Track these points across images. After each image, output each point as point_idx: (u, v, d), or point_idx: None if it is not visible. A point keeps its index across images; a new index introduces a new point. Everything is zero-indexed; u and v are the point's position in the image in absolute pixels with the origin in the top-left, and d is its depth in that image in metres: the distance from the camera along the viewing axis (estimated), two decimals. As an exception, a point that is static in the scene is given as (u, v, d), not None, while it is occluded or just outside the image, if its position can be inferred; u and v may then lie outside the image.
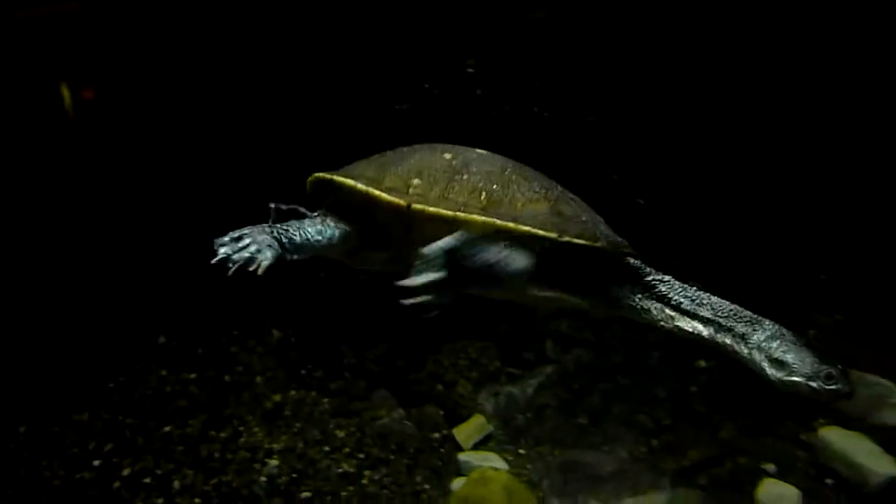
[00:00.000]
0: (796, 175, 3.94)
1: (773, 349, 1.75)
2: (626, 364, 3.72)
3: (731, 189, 4.04)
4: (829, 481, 2.99)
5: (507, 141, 3.79)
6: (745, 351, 1.80)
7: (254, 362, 3.40)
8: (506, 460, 3.15)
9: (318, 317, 3.67)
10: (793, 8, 3.71)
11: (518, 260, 1.75)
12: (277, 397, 3.27)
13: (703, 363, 3.79)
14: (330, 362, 3.51)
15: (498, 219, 1.73)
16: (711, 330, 1.84)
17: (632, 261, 1.87)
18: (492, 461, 3.06)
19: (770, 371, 1.76)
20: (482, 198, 1.77)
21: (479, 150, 2.02)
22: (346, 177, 1.99)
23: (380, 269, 2.23)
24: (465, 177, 1.84)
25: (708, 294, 1.86)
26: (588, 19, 3.83)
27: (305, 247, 2.03)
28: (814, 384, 1.70)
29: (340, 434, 3.17)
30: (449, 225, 1.75)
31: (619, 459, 2.99)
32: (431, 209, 1.75)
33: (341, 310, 3.72)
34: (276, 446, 3.05)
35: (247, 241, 1.95)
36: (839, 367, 1.71)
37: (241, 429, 3.11)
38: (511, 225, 1.72)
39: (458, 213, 1.73)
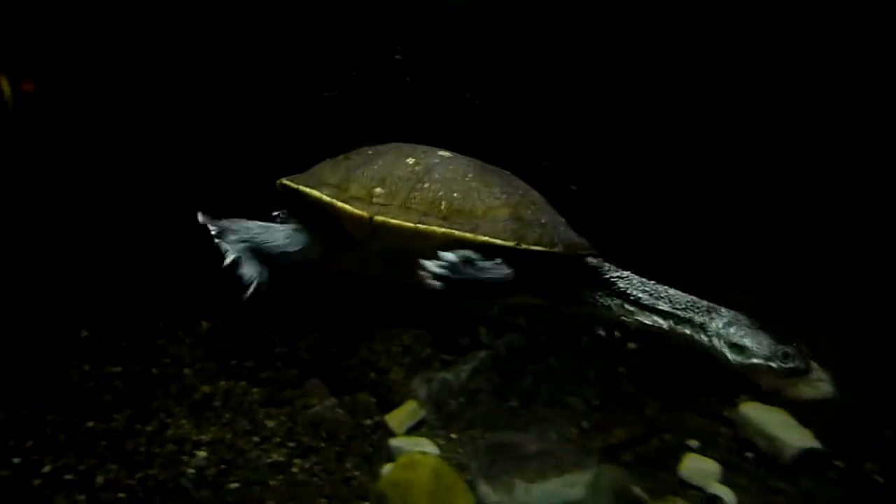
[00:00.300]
0: (717, 157, 4.05)
1: (731, 335, 1.78)
2: (557, 347, 3.79)
3: (656, 174, 4.13)
4: (748, 454, 3.10)
5: (437, 128, 3.81)
6: (706, 339, 1.83)
7: (182, 354, 3.35)
8: (437, 445, 3.18)
9: (249, 306, 3.61)
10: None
11: (502, 274, 1.78)
12: (206, 388, 3.23)
13: (632, 345, 3.89)
14: (261, 352, 3.48)
15: (457, 230, 1.74)
16: (671, 322, 1.87)
17: (590, 260, 1.91)
18: (423, 446, 3.08)
19: (731, 356, 1.79)
20: (442, 207, 1.78)
21: (441, 153, 2.02)
22: (310, 186, 1.96)
23: (350, 269, 2.25)
24: (427, 185, 1.83)
25: (666, 287, 1.90)
26: (515, 5, 3.85)
27: (282, 257, 2.00)
28: (773, 364, 1.74)
29: (270, 423, 3.15)
30: (412, 236, 1.77)
31: (545, 440, 3.04)
32: (393, 221, 1.76)
33: (273, 299, 3.67)
34: (204, 438, 3.01)
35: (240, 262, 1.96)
36: (794, 345, 1.76)
37: (168, 421, 3.07)
38: (469, 236, 1.74)
39: (418, 226, 1.74)
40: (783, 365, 1.73)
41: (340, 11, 3.69)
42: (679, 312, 1.84)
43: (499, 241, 1.72)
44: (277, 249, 2.00)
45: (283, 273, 3.62)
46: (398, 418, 3.29)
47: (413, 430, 3.30)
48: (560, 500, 2.70)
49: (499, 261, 1.75)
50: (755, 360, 1.75)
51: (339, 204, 1.83)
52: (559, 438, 3.15)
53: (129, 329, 3.37)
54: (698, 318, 1.81)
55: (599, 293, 1.90)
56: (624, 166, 4.14)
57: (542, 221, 1.85)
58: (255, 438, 3.06)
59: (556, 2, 3.96)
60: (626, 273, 1.91)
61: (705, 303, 1.84)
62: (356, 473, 2.97)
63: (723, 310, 1.81)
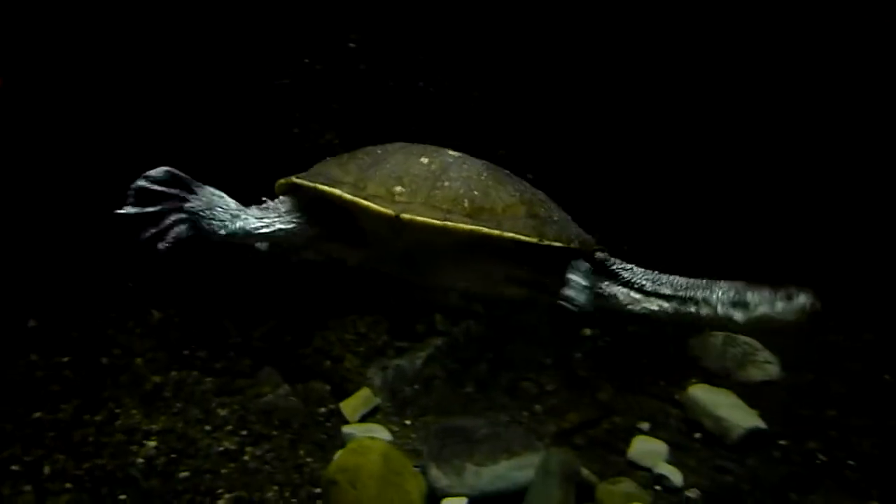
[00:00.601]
0: (673, 144, 4.10)
1: (732, 298, 1.85)
2: (515, 334, 3.81)
3: (616, 162, 4.17)
4: (697, 435, 3.15)
5: (392, 116, 3.81)
6: (710, 312, 1.89)
7: (133, 344, 3.32)
8: (391, 431, 3.19)
9: (202, 296, 3.59)
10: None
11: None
12: (157, 378, 3.21)
13: (588, 331, 3.93)
14: (214, 341, 3.46)
15: (484, 226, 1.79)
16: (675, 304, 1.94)
17: (598, 254, 1.98)
18: (376, 432, 3.08)
19: (738, 317, 1.85)
20: (465, 205, 1.84)
21: (451, 152, 2.08)
22: (328, 185, 1.96)
23: (353, 262, 2.27)
24: (447, 183, 1.87)
25: (666, 275, 1.97)
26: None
27: (238, 234, 1.96)
28: (779, 307, 1.78)
29: (222, 412, 3.14)
30: (436, 232, 1.79)
31: (497, 424, 3.06)
32: (420, 218, 1.79)
33: (227, 288, 3.66)
34: (154, 427, 3.00)
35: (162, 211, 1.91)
36: (793, 287, 1.80)
37: (117, 411, 3.05)
38: (496, 232, 1.80)
39: (445, 223, 1.78)
40: (791, 306, 1.77)
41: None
42: (682, 293, 1.91)
43: (524, 238, 1.81)
44: (240, 229, 1.98)
45: (239, 261, 3.60)
46: (352, 406, 3.29)
47: (367, 418, 3.30)
48: (509, 483, 2.72)
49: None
50: (761, 310, 1.79)
51: (364, 202, 1.86)
52: (511, 423, 3.18)
53: (78, 319, 3.33)
54: (700, 294, 1.88)
55: (606, 282, 1.97)
56: (582, 154, 4.17)
57: (555, 218, 1.94)
58: (207, 427, 3.05)
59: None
60: (629, 265, 1.99)
61: (703, 280, 1.90)
62: (309, 460, 2.97)
63: (720, 282, 1.86)
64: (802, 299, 1.78)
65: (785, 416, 3.20)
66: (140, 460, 2.84)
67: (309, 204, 2.03)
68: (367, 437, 2.84)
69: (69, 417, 2.97)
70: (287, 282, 3.69)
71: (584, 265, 1.89)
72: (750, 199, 4.06)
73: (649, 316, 1.97)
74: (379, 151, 2.06)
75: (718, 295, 1.88)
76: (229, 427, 3.07)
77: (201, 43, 3.51)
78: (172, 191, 1.98)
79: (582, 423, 3.25)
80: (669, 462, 2.95)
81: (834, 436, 3.09)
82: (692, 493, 2.80)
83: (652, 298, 1.95)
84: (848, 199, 4.11)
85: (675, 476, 2.85)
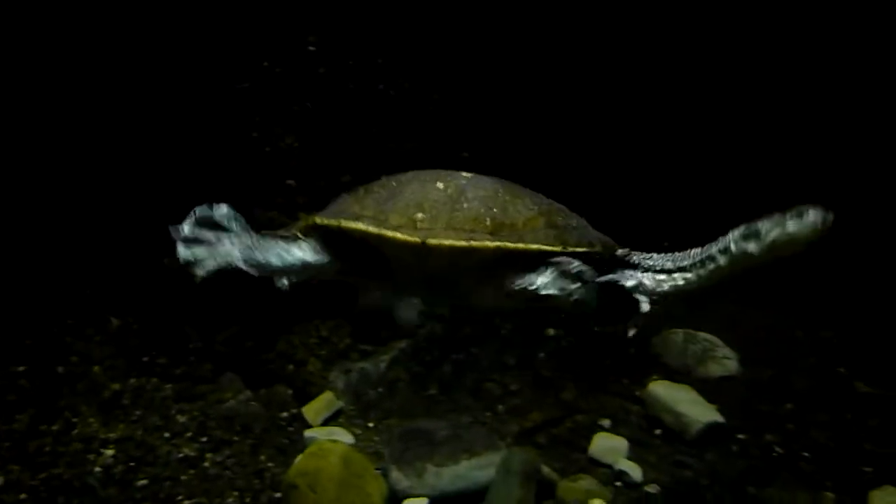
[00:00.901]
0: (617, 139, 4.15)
1: (743, 233, 1.87)
2: (479, 336, 3.82)
3: (576, 162, 4.21)
4: (657, 431, 3.18)
5: (353, 119, 3.81)
6: (728, 259, 1.91)
7: (91, 351, 3.28)
8: (354, 434, 3.18)
9: (164, 301, 3.56)
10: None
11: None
12: (116, 386, 3.17)
13: (551, 331, 3.95)
14: (175, 347, 3.43)
15: (508, 241, 1.80)
16: (697, 269, 1.98)
17: (619, 251, 2.03)
18: (338, 436, 3.08)
19: (753, 248, 1.84)
20: (487, 223, 1.89)
21: (464, 174, 2.14)
22: (351, 220, 1.99)
23: (377, 290, 2.34)
24: (465, 204, 1.93)
25: (683, 252, 2.02)
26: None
27: (277, 269, 2.07)
28: (791, 227, 1.78)
29: (182, 419, 3.11)
30: (461, 254, 1.83)
31: (459, 425, 3.07)
32: (446, 242, 1.83)
33: (188, 293, 3.62)
34: (112, 436, 2.97)
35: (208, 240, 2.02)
36: (802, 205, 1.81)
37: (74, 420, 3.01)
38: (521, 246, 1.85)
39: (471, 243, 1.82)
40: (801, 221, 1.77)
41: (251, 1, 3.66)
42: (700, 258, 1.94)
43: (547, 248, 1.85)
44: (283, 263, 2.08)
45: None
46: (315, 409, 3.28)
47: (330, 421, 3.29)
48: (470, 482, 2.73)
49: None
50: (774, 234, 1.80)
51: (389, 233, 1.91)
52: (474, 424, 3.19)
53: (34, 326, 3.28)
54: (715, 249, 1.91)
55: (632, 274, 2.03)
56: (544, 155, 4.20)
57: (574, 225, 2.00)
58: (166, 434, 3.02)
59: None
60: (650, 254, 2.03)
61: (711, 243, 1.94)
62: (270, 465, 2.95)
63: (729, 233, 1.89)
64: (813, 215, 1.77)
65: (743, 410, 3.24)
66: (98, 469, 2.80)
67: (331, 239, 2.09)
68: (328, 441, 2.83)
69: (25, 427, 2.92)
70: (250, 286, 3.66)
71: (574, 264, 1.91)
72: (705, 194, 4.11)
73: (679, 291, 2.00)
74: (394, 183, 2.10)
75: (729, 239, 1.90)
76: (189, 433, 3.04)
77: (160, 47, 3.49)
78: (229, 225, 2.11)
79: (544, 421, 3.27)
80: (630, 458, 2.98)
81: (791, 429, 3.15)
82: (652, 489, 2.82)
83: (676, 275, 2.00)
84: (804, 197, 4.17)
85: (635, 472, 2.88)
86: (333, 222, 2.03)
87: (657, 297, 2.00)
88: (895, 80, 3.94)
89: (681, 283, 2.00)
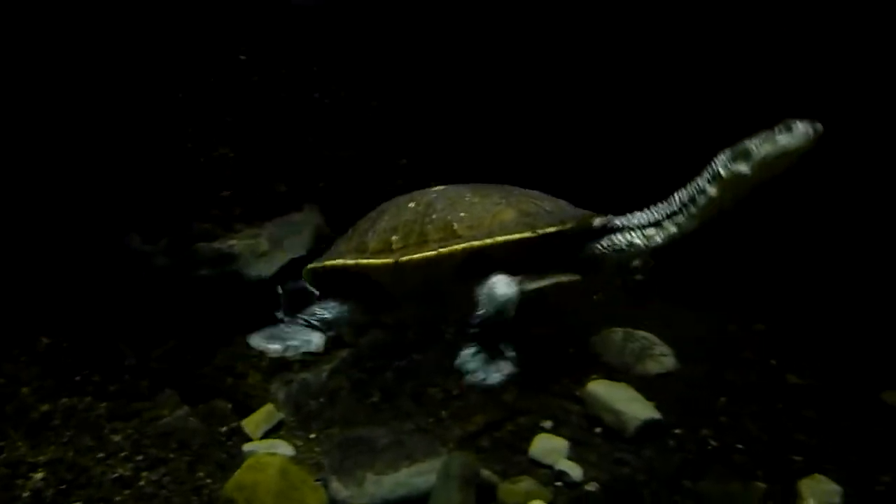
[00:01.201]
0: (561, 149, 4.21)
1: (732, 155, 1.84)
2: (422, 342, 3.82)
3: (516, 168, 4.24)
4: (597, 430, 3.22)
5: (288, 127, 3.78)
6: (718, 186, 1.87)
7: (19, 372, 3.19)
8: (295, 446, 3.14)
9: (96, 318, 3.48)
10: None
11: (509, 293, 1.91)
12: (46, 407, 3.08)
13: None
14: (108, 365, 3.35)
15: (475, 240, 1.84)
16: (682, 214, 1.95)
17: (597, 221, 2.01)
18: (278, 448, 3.04)
19: (745, 169, 1.81)
20: (455, 227, 1.90)
21: (435, 188, 2.14)
22: (333, 259, 2.11)
23: (392, 321, 2.46)
24: (434, 216, 2.00)
25: (663, 200, 1.99)
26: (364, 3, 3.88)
27: (333, 324, 2.25)
28: (782, 141, 1.75)
29: (116, 438, 3.04)
30: (438, 262, 1.86)
31: (400, 432, 3.06)
32: (416, 256, 1.86)
33: (122, 309, 3.55)
34: (42, 458, 2.87)
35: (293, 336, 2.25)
36: (789, 119, 1.77)
37: (1, 444, 2.90)
38: (488, 241, 1.84)
39: (440, 251, 1.83)
40: (792, 134, 1.75)
41: (182, 11, 3.61)
42: (686, 198, 1.92)
43: (516, 236, 1.85)
44: (332, 321, 2.24)
45: (135, 281, 3.49)
46: (255, 422, 3.23)
47: (271, 434, 3.24)
48: (410, 489, 2.72)
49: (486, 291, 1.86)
50: (765, 151, 1.77)
51: (364, 261, 1.98)
52: (415, 430, 3.18)
53: (-43, 350, 3.17)
54: (702, 181, 1.88)
55: (617, 237, 2.00)
56: (484, 161, 4.22)
57: (547, 209, 1.97)
58: (100, 454, 2.94)
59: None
60: (629, 214, 2.03)
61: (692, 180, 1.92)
62: (208, 482, 2.90)
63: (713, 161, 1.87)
64: (803, 126, 1.75)
65: (680, 405, 3.31)
66: (26, 494, 2.71)
67: (331, 284, 2.22)
68: (267, 454, 2.79)
69: (-53, 454, 2.82)
70: (187, 300, 3.61)
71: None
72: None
73: (674, 238, 1.99)
74: (374, 214, 2.19)
75: (718, 164, 1.87)
76: (124, 453, 2.97)
77: (92, 57, 3.41)
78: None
79: (487, 425, 3.28)
80: (570, 458, 3.01)
81: (725, 422, 3.22)
82: (591, 487, 2.86)
83: (665, 223, 1.99)
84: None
85: (575, 471, 2.91)
86: (318, 265, 2.18)
87: (653, 248, 2.01)
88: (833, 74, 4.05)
89: (673, 229, 1.99)
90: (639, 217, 2.05)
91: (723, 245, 4.09)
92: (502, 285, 1.86)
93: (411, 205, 2.08)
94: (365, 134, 3.93)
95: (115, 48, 3.48)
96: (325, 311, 2.23)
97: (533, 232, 1.90)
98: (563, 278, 2.03)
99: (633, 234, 2.05)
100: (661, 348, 3.66)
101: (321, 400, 3.46)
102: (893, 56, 3.76)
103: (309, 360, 3.62)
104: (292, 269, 3.67)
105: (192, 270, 3.54)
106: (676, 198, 1.99)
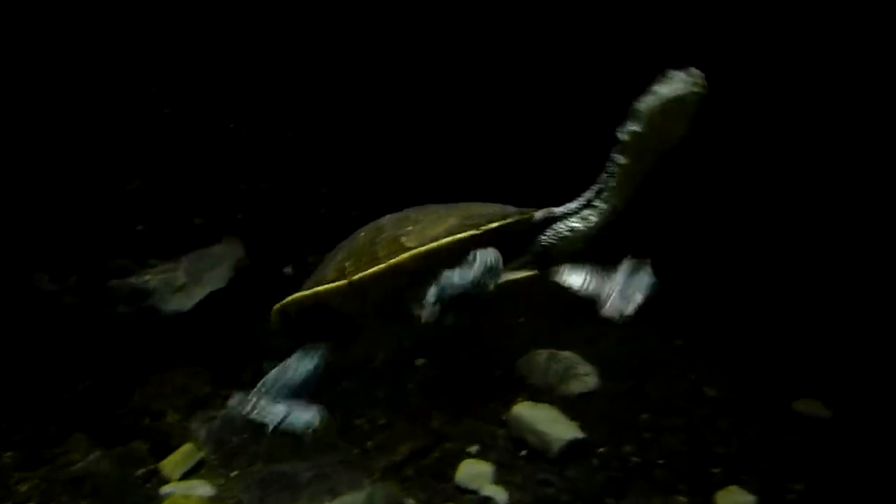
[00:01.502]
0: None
1: (627, 124, 1.84)
2: (348, 371, 3.78)
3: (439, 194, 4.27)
4: (522, 453, 3.23)
5: (202, 159, 3.73)
6: (627, 153, 1.88)
7: (-84, 426, 3.01)
8: (215, 485, 3.06)
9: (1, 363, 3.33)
10: None
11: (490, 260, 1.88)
12: (-55, 460, 2.93)
13: (421, 361, 3.97)
14: (15, 411, 3.20)
15: (421, 246, 1.83)
16: (610, 183, 1.97)
17: (538, 213, 2.04)
18: (197, 488, 2.96)
19: (640, 128, 1.83)
20: (402, 241, 1.88)
21: (387, 216, 2.16)
22: (288, 297, 2.10)
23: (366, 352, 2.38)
24: (383, 235, 1.96)
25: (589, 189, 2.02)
26: (273, 35, 3.87)
27: (313, 383, 2.16)
28: (663, 88, 1.75)
29: (24, 488, 2.90)
30: (390, 276, 1.88)
31: (324, 465, 3.02)
32: (368, 272, 1.86)
33: (31, 351, 3.41)
34: (-59, 514, 2.72)
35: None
36: (664, 71, 1.79)
37: None
38: (434, 245, 1.86)
39: (389, 262, 1.80)
40: (672, 80, 1.77)
41: (93, 44, 3.53)
42: (606, 173, 1.94)
43: (462, 235, 1.87)
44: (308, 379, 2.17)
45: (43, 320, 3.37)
46: (173, 463, 3.13)
47: (190, 474, 3.15)
48: (332, 524, 2.68)
49: (474, 256, 1.85)
50: (651, 102, 1.80)
51: (320, 288, 1.98)
52: (340, 462, 3.13)
53: None
54: (612, 158, 1.94)
55: (558, 225, 2.03)
56: (407, 185, 4.24)
57: (491, 212, 2.01)
58: (5, 506, 2.81)
59: (321, 28, 4.01)
60: (567, 204, 2.06)
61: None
62: (123, 528, 2.80)
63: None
64: (678, 73, 1.78)
65: (603, 423, 3.35)
66: (-76, 554, 2.57)
67: (300, 327, 2.18)
68: (182, 496, 2.71)
69: None
70: (100, 338, 3.49)
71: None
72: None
73: (608, 213, 2.03)
74: (332, 253, 2.20)
75: (619, 133, 1.91)
76: (32, 503, 2.84)
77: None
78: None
79: (412, 453, 3.26)
80: (495, 482, 3.01)
81: (647, 437, 3.28)
82: (516, 511, 2.87)
83: (595, 202, 2.04)
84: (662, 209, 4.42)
85: (500, 495, 2.91)
86: (278, 306, 2.16)
87: (594, 229, 2.06)
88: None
89: (604, 205, 2.05)
90: (574, 202, 2.13)
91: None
92: (494, 254, 1.89)
93: (362, 234, 2.11)
94: (284, 164, 3.91)
95: (21, 81, 3.38)
96: (293, 370, 2.22)
97: (477, 229, 1.96)
98: (520, 275, 2.08)
99: (571, 219, 2.12)
100: (584, 367, 3.71)
101: (244, 436, 3.37)
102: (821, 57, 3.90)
103: (231, 395, 3.54)
104: (211, 303, 3.61)
105: (105, 308, 3.43)
106: (602, 176, 2.08)
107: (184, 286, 3.54)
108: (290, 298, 2.15)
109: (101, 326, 3.49)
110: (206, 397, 3.48)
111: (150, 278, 3.47)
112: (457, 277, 1.85)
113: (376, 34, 4.10)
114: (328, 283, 2.02)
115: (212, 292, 3.59)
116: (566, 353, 3.83)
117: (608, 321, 4.30)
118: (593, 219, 2.06)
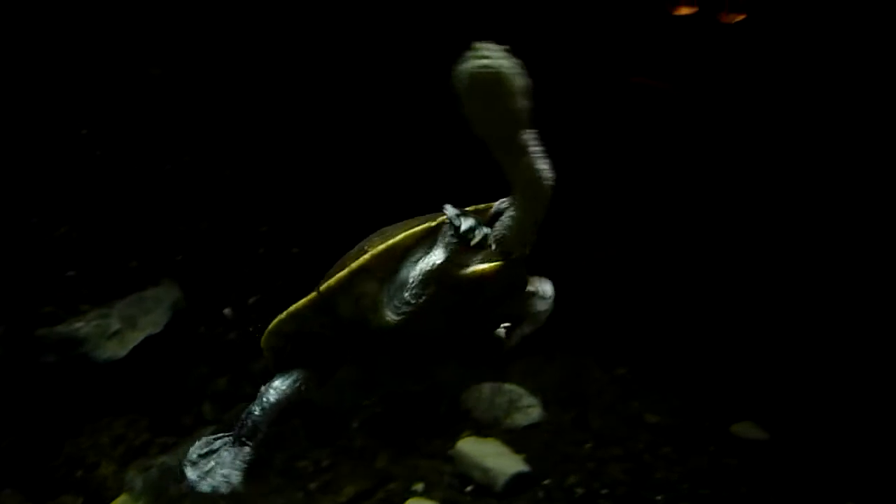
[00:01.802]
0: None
1: None
2: (291, 412, 3.72)
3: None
4: (468, 488, 3.22)
5: (137, 201, 3.66)
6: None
7: None
8: (152, 537, 2.96)
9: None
10: None
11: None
12: None
13: (366, 402, 3.93)
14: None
15: (383, 245, 1.82)
16: (524, 176, 1.92)
17: (494, 206, 2.03)
18: (133, 542, 2.85)
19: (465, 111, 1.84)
20: (365, 248, 1.85)
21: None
22: (272, 321, 1.95)
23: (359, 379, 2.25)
24: (350, 252, 1.91)
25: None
26: (208, 74, 3.85)
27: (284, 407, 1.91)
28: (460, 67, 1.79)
29: (-54, 551, 2.76)
30: (350, 280, 1.82)
31: (263, 511, 2.95)
32: (334, 280, 1.82)
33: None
34: None
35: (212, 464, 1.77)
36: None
37: None
38: (392, 241, 1.84)
39: (352, 267, 1.81)
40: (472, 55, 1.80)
41: (18, 84, 3.46)
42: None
43: (422, 227, 1.84)
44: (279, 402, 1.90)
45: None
46: (108, 516, 3.03)
47: (127, 526, 3.05)
48: (274, 572, 2.61)
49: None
50: (455, 83, 1.81)
51: (295, 305, 1.89)
52: (282, 506, 3.08)
53: None
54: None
55: (504, 217, 2.03)
56: (351, 219, 4.23)
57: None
58: (-75, 572, 2.66)
59: (252, 66, 4.01)
60: (472, 210, 2.07)
61: None
62: (53, 588, 2.68)
63: None
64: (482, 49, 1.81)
65: (548, 455, 3.38)
66: None
67: (286, 353, 2.06)
68: (115, 551, 2.61)
69: None
70: (28, 390, 3.36)
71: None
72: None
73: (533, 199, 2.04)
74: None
75: None
76: (-46, 567, 2.70)
77: None
78: None
79: (356, 494, 3.22)
80: (441, 520, 2.99)
81: (591, 467, 3.31)
82: (461, 548, 2.85)
83: (512, 198, 2.05)
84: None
85: (447, 534, 2.89)
86: (263, 339, 2.02)
87: (517, 220, 2.10)
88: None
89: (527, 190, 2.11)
90: (485, 211, 2.19)
91: (583, 293, 4.27)
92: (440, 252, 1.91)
93: (337, 263, 2.18)
94: (223, 202, 3.86)
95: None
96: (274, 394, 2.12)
97: (434, 220, 1.99)
98: (488, 265, 2.09)
99: (511, 208, 2.18)
100: (528, 399, 3.73)
101: (182, 484, 3.28)
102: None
103: (169, 442, 3.45)
104: (147, 348, 3.52)
105: (33, 358, 3.31)
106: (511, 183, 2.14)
107: (118, 332, 3.44)
108: (271, 325, 2.10)
109: (28, 377, 3.36)
110: (142, 445, 3.37)
111: (82, 325, 3.36)
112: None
113: (309, 72, 4.12)
114: (302, 301, 2.01)
115: (148, 337, 3.49)
116: (510, 386, 3.85)
117: (550, 352, 4.34)
118: (512, 209, 2.12)
